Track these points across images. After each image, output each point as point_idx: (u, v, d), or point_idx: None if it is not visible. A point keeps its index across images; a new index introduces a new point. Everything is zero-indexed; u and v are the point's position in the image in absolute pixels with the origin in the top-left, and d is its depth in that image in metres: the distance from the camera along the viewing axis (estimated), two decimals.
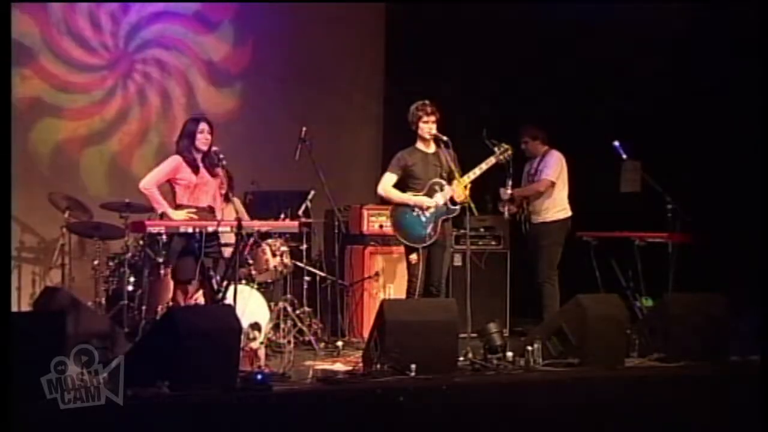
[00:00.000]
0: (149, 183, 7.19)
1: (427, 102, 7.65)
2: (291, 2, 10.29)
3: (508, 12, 9.90)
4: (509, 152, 7.75)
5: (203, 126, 7.28)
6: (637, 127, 9.14)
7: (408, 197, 7.62)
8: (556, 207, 8.59)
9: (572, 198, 8.67)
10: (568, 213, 8.63)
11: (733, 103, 8.76)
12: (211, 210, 7.33)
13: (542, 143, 8.73)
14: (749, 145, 8.48)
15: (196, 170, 7.24)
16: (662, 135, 9.21)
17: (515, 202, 8.67)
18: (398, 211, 7.67)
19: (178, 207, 7.23)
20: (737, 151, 8.73)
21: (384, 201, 7.89)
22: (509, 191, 8.30)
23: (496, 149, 7.70)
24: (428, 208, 7.58)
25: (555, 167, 8.59)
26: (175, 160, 7.24)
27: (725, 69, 8.83)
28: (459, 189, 7.54)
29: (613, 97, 9.50)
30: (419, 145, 7.72)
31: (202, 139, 7.25)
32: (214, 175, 7.29)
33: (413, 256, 7.61)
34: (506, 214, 8.57)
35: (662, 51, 9.29)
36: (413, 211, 7.61)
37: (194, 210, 7.21)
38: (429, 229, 7.60)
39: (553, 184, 8.56)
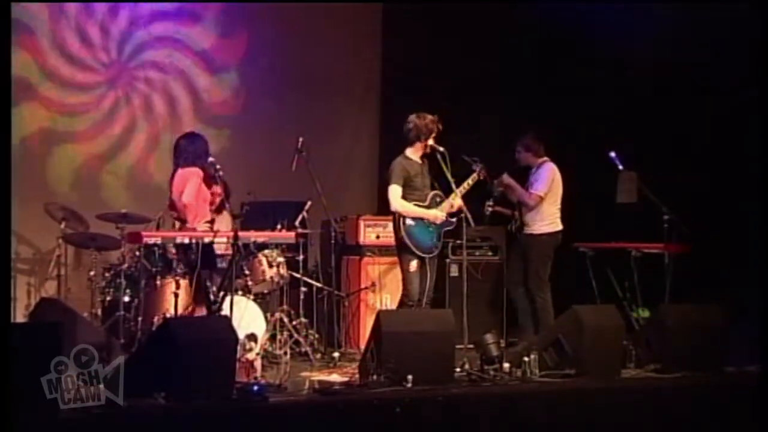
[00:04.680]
0: (191, 197, 7.20)
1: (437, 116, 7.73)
2: (288, 2, 10.29)
3: (507, 17, 9.92)
4: (485, 171, 7.98)
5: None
6: (634, 137, 9.14)
7: (424, 212, 7.67)
8: (544, 220, 8.57)
9: (569, 209, 8.66)
10: (558, 227, 8.59)
11: (731, 113, 8.77)
12: (212, 222, 7.36)
13: (535, 155, 8.69)
14: (746, 154, 8.49)
15: (209, 185, 7.29)
16: (658, 145, 9.22)
17: (508, 207, 8.72)
18: (408, 221, 7.66)
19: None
20: (734, 161, 8.74)
21: (394, 214, 7.80)
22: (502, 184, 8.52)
23: (475, 167, 7.84)
24: (438, 220, 7.69)
25: (546, 181, 8.56)
26: (199, 173, 7.29)
27: (724, 80, 8.84)
28: (458, 202, 7.67)
29: (610, 108, 9.50)
30: (414, 155, 7.74)
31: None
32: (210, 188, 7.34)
33: (414, 264, 7.62)
34: (488, 210, 8.57)
35: (660, 62, 9.31)
36: (423, 222, 7.66)
37: (208, 222, 7.25)
38: (435, 240, 7.74)
39: (541, 199, 8.55)
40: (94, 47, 9.64)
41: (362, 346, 7.40)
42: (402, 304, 7.72)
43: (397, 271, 8.21)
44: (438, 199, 7.74)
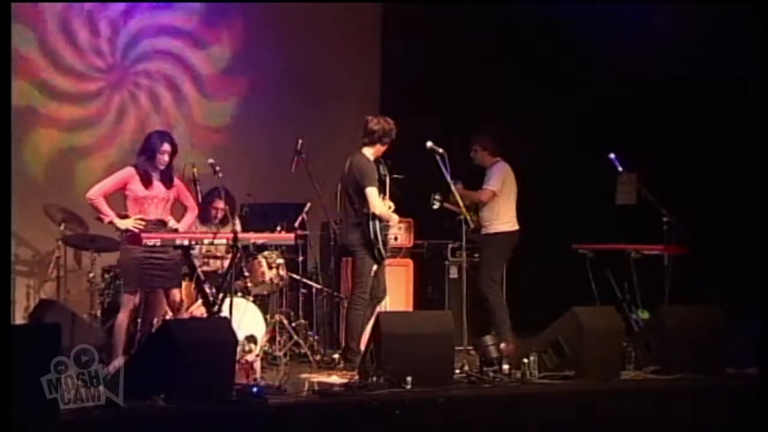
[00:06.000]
0: (96, 193, 7.09)
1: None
2: (288, 2, 10.28)
3: (507, 17, 9.92)
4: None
5: (166, 147, 7.20)
6: (634, 138, 9.15)
7: (391, 215, 7.68)
8: (500, 219, 8.54)
9: (569, 209, 8.65)
10: (514, 227, 8.56)
11: (731, 116, 8.78)
12: (161, 224, 7.23)
13: (491, 155, 8.67)
14: (746, 154, 8.49)
15: (147, 184, 7.15)
16: (658, 146, 9.23)
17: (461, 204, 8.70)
18: (380, 224, 7.61)
19: (124, 218, 7.16)
20: (734, 162, 8.74)
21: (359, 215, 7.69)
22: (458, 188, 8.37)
23: (382, 169, 7.73)
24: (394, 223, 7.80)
25: (497, 178, 8.54)
26: (127, 171, 7.15)
27: (723, 79, 8.85)
28: (392, 205, 7.73)
29: (610, 108, 9.51)
30: (372, 157, 7.70)
31: (162, 160, 7.19)
32: (168, 188, 7.25)
33: (375, 267, 7.58)
34: (435, 204, 8.49)
35: (660, 62, 9.31)
36: (385, 225, 7.65)
37: (142, 220, 7.11)
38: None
39: (494, 195, 8.54)
40: (92, 55, 9.62)
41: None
42: (357, 300, 7.59)
43: (398, 273, 8.24)
44: (385, 203, 7.70)
